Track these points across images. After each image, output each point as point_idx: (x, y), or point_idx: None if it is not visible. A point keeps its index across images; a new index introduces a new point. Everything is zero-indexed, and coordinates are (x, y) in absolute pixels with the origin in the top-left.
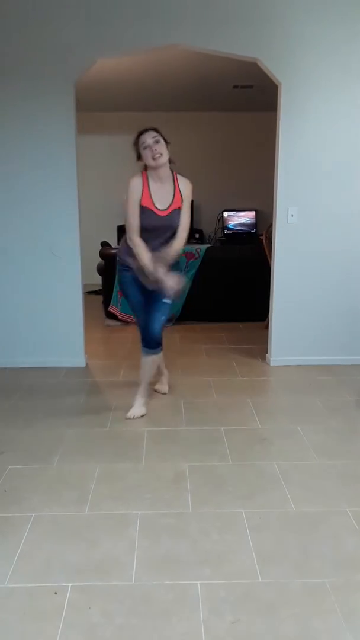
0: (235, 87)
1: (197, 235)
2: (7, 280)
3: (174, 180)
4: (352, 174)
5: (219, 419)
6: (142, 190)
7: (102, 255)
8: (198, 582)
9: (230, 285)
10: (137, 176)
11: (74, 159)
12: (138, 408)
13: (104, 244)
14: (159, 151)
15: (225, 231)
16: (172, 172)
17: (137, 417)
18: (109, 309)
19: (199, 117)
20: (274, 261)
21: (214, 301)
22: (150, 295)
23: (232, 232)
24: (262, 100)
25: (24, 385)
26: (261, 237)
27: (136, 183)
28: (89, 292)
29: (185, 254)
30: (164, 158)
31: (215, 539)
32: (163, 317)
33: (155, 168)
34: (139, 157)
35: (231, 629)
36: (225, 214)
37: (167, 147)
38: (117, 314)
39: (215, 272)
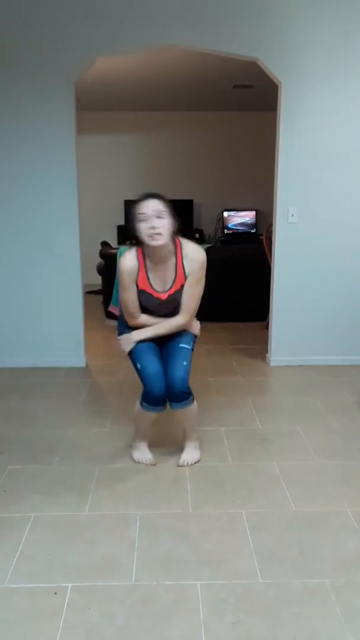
0: (236, 86)
1: (197, 235)
2: (7, 280)
3: (177, 256)
4: (352, 173)
5: (219, 419)
6: (138, 272)
7: (102, 255)
8: (198, 582)
9: (230, 285)
10: (130, 253)
11: (73, 158)
12: (144, 453)
13: (104, 244)
14: (160, 230)
15: (226, 231)
16: (176, 242)
17: (149, 464)
18: (109, 309)
19: (199, 116)
20: (274, 261)
21: (214, 301)
22: (161, 343)
23: (233, 232)
24: (262, 99)
25: (24, 385)
26: (261, 237)
27: (129, 263)
28: (89, 292)
29: None
30: (164, 239)
31: (215, 539)
32: (185, 362)
33: (152, 248)
34: (134, 225)
35: (231, 630)
36: (226, 214)
37: (174, 223)
38: (117, 314)
39: (215, 272)
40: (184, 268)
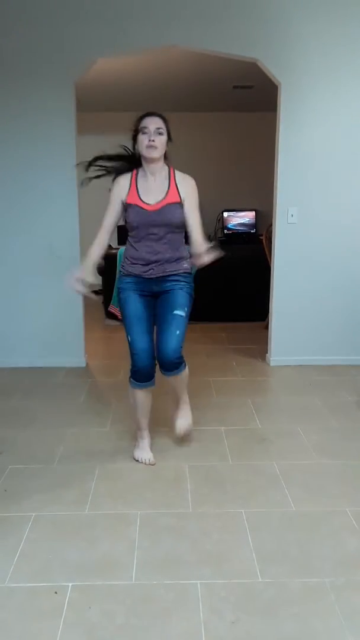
0: (235, 87)
1: None
2: (8, 280)
3: (170, 175)
4: (351, 173)
5: (219, 418)
6: (130, 187)
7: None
8: (198, 581)
9: (230, 285)
10: (126, 174)
11: (74, 158)
12: (145, 452)
13: None
14: (156, 144)
15: (225, 231)
16: (169, 167)
17: (148, 464)
18: (109, 309)
19: (199, 117)
20: (273, 261)
21: (214, 301)
22: (155, 310)
23: (232, 232)
24: (262, 100)
25: (24, 385)
26: (261, 237)
27: (122, 179)
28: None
29: None
30: (158, 153)
31: (215, 538)
32: (179, 332)
33: (146, 159)
34: (135, 139)
35: (231, 629)
36: (225, 214)
37: (167, 144)
38: (117, 314)
39: (215, 272)
40: (177, 189)
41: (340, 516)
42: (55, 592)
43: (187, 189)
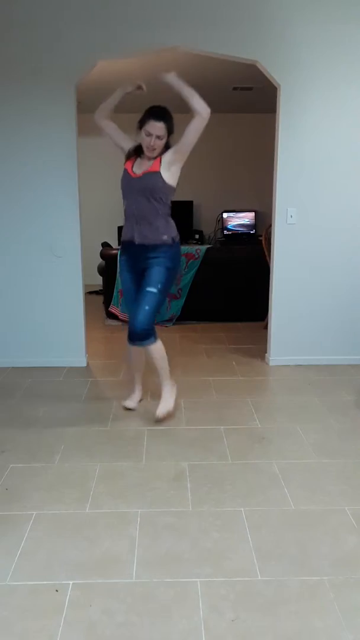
0: (235, 89)
1: (196, 236)
2: (8, 280)
3: (158, 157)
4: (351, 174)
5: (219, 418)
6: (130, 160)
7: (102, 255)
8: (198, 580)
9: (230, 285)
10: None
11: (75, 160)
12: (129, 400)
13: (105, 245)
14: (156, 146)
15: (225, 232)
16: (160, 153)
17: (125, 407)
18: (109, 309)
19: None
20: (273, 262)
21: (214, 301)
22: (139, 285)
23: (232, 233)
24: (262, 101)
25: (25, 384)
26: (260, 238)
27: (132, 149)
28: (90, 293)
29: (185, 254)
30: (156, 153)
31: (215, 537)
32: (147, 307)
33: (146, 153)
34: (140, 127)
35: (231, 627)
36: (225, 215)
37: (169, 138)
38: (118, 314)
39: (215, 273)
40: (160, 158)
41: (339, 515)
42: (56, 590)
43: (169, 151)
